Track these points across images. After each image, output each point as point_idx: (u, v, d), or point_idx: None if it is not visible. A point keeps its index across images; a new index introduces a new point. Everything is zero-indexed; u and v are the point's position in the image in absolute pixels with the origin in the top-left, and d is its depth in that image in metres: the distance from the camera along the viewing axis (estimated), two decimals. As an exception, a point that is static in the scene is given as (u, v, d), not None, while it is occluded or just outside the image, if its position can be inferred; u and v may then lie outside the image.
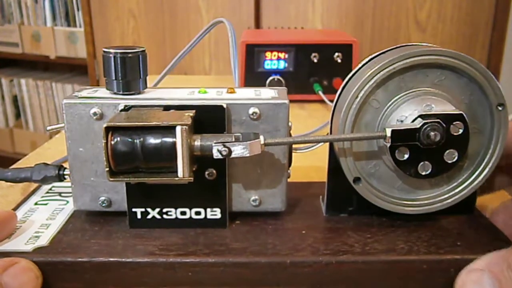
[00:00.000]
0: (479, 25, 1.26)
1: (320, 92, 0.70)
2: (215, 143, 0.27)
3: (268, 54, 0.72)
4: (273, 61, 0.72)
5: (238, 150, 0.27)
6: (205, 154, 0.28)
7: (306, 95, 0.72)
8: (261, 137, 0.28)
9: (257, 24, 1.32)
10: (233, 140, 0.28)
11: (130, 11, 1.42)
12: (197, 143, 0.28)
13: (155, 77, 0.45)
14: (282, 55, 0.72)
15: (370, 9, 1.27)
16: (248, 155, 0.27)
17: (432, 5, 1.25)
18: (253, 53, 0.71)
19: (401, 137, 0.29)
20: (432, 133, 0.28)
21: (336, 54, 0.71)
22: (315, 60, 0.71)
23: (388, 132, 0.28)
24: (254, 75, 0.72)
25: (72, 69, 1.83)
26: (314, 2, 1.29)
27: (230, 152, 0.27)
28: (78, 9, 1.60)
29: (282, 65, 0.72)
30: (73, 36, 1.62)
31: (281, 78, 0.71)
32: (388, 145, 0.29)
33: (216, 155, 0.27)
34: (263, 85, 0.71)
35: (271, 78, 0.71)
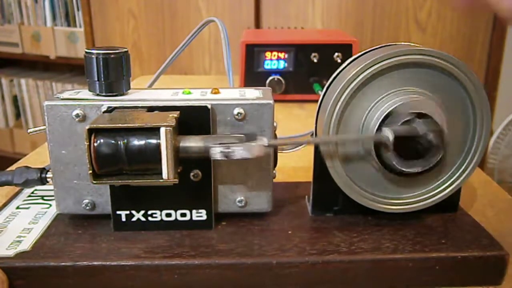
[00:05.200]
0: (479, 25, 1.27)
1: (320, 92, 0.70)
2: (219, 144, 0.27)
3: (268, 54, 0.71)
4: (273, 61, 0.72)
5: (239, 152, 0.27)
6: (204, 155, 0.27)
7: (306, 95, 0.72)
8: (264, 139, 0.28)
9: (257, 24, 1.31)
10: (237, 141, 0.27)
11: (130, 11, 1.41)
12: (198, 144, 0.27)
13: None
14: (282, 55, 0.72)
15: (370, 9, 1.27)
16: (247, 157, 0.27)
17: (432, 5, 1.26)
18: (253, 53, 0.71)
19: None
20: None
21: (336, 54, 0.71)
22: (315, 60, 0.71)
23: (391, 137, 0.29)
24: (254, 75, 0.72)
25: (72, 69, 1.82)
26: (314, 2, 1.29)
27: (232, 153, 0.27)
28: (78, 9, 1.59)
29: (282, 65, 0.72)
30: (73, 36, 1.61)
31: (281, 78, 0.71)
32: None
33: (214, 156, 0.27)
34: (263, 85, 0.71)
35: (271, 78, 0.71)
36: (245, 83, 0.72)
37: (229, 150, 0.27)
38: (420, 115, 0.29)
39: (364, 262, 0.29)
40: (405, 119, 0.29)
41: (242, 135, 0.29)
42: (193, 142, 0.28)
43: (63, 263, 0.28)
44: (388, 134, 0.28)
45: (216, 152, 0.27)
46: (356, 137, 0.31)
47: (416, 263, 0.29)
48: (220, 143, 0.27)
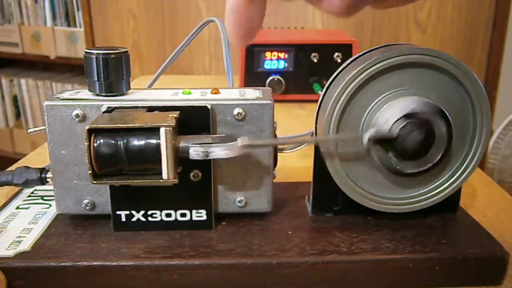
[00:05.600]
0: (479, 25, 1.27)
1: (320, 92, 0.70)
2: (192, 144, 0.27)
3: (268, 54, 0.71)
4: (273, 61, 0.72)
5: (216, 152, 0.27)
6: (187, 155, 0.27)
7: (306, 95, 0.72)
8: (239, 140, 0.28)
9: (257, 24, 1.32)
10: (210, 141, 0.27)
11: (130, 11, 1.41)
12: (181, 144, 0.27)
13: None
14: (282, 55, 0.72)
15: (370, 9, 1.28)
16: (225, 157, 0.27)
17: (432, 5, 1.26)
18: (253, 53, 0.71)
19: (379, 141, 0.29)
20: (409, 144, 0.28)
21: (336, 54, 0.71)
22: (315, 60, 0.71)
23: (365, 140, 0.29)
24: (254, 75, 0.72)
25: (72, 69, 1.82)
26: (314, 2, 1.29)
27: (207, 153, 0.27)
28: (78, 9, 1.59)
29: (282, 65, 0.72)
30: (73, 36, 1.61)
31: (281, 78, 0.71)
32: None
33: (192, 156, 0.27)
34: (263, 85, 0.71)
35: (271, 78, 0.71)
36: (245, 83, 0.72)
37: (204, 150, 0.27)
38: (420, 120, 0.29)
39: (364, 262, 0.29)
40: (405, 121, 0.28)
41: (221, 135, 0.28)
42: (192, 143, 0.28)
43: (63, 263, 0.28)
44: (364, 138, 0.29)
45: (191, 152, 0.27)
46: (355, 135, 0.31)
47: (416, 263, 0.29)
48: (194, 143, 0.27)
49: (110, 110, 0.29)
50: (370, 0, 0.26)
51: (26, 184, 0.33)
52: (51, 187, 0.31)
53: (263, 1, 0.29)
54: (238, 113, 0.30)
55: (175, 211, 0.31)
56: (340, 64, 0.31)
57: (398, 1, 0.27)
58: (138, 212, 0.31)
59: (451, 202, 0.33)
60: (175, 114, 0.28)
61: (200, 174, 0.30)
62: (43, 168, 0.33)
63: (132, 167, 0.27)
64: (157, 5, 1.39)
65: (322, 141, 0.30)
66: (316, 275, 0.28)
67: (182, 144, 0.27)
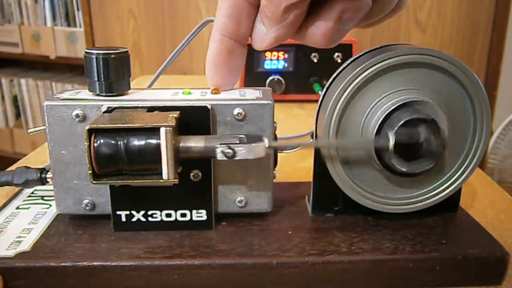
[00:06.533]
0: (479, 25, 1.27)
1: (320, 92, 0.70)
2: (220, 144, 0.27)
3: (268, 54, 0.71)
4: (273, 61, 0.72)
5: (243, 152, 0.27)
6: (204, 155, 0.27)
7: (306, 95, 0.72)
8: (266, 140, 0.28)
9: (257, 24, 1.32)
10: (238, 142, 0.27)
11: (130, 11, 1.41)
12: (199, 144, 0.27)
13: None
14: (282, 55, 0.72)
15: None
16: (252, 157, 0.27)
17: (432, 5, 1.26)
18: (252, 53, 0.71)
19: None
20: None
21: (336, 54, 0.71)
22: (315, 60, 0.71)
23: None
24: (254, 75, 0.72)
25: (72, 69, 1.82)
26: (314, 2, 1.29)
27: (234, 154, 0.27)
28: (78, 9, 1.59)
29: (282, 65, 0.72)
30: (73, 36, 1.61)
31: (281, 78, 0.71)
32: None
33: (219, 156, 0.27)
34: (263, 85, 0.71)
35: (271, 78, 0.71)
36: (245, 83, 0.72)
37: (231, 150, 0.27)
38: (422, 119, 0.28)
39: (364, 262, 0.29)
40: (405, 120, 0.28)
41: (243, 136, 0.29)
42: (193, 142, 0.28)
43: (63, 263, 0.28)
44: (390, 138, 0.28)
45: (218, 153, 0.27)
46: (357, 142, 0.31)
47: (416, 263, 0.29)
48: (221, 143, 0.27)
49: (110, 110, 0.29)
50: (351, 26, 0.26)
51: (26, 184, 0.33)
52: (51, 187, 0.31)
53: (243, 51, 0.29)
54: (238, 113, 0.30)
55: (175, 211, 0.31)
56: (340, 64, 0.31)
57: (380, 19, 0.27)
58: (138, 212, 0.31)
59: (451, 202, 0.33)
60: (175, 114, 0.28)
61: (200, 174, 0.30)
62: (43, 168, 0.33)
63: (132, 167, 0.27)
64: (157, 5, 1.39)
65: (325, 146, 0.31)
66: (316, 275, 0.28)
67: (182, 144, 0.27)
